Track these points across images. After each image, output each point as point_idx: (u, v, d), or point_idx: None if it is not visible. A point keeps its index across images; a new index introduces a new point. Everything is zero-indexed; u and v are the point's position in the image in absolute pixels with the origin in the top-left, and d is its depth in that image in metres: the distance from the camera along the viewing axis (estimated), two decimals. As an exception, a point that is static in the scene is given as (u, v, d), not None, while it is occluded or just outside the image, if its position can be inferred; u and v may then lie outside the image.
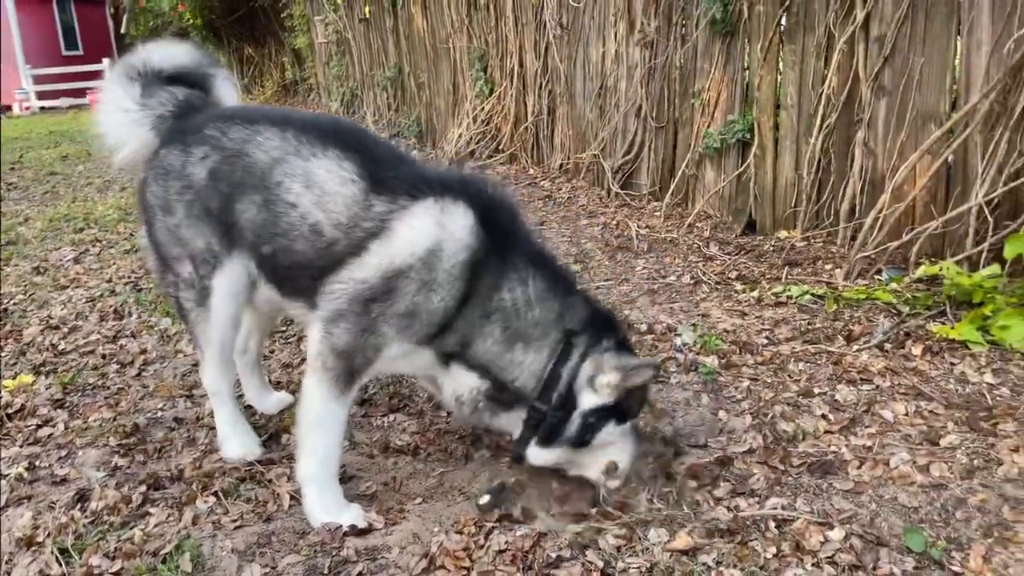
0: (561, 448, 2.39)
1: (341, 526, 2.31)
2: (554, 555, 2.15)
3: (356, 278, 2.30)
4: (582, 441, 2.37)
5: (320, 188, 2.35)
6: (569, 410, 2.35)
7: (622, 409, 2.37)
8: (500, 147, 8.20)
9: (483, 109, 8.33)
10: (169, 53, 2.75)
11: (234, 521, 2.39)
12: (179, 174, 2.51)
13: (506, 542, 2.22)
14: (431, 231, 2.27)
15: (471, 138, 8.41)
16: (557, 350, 2.36)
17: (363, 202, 2.33)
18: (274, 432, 2.92)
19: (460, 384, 2.42)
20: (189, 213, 2.51)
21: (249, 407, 3.10)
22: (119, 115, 2.65)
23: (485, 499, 2.40)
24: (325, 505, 2.36)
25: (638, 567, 2.09)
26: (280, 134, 2.44)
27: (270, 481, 2.59)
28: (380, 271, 2.28)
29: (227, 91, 2.86)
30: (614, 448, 2.41)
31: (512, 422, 2.45)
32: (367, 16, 10.81)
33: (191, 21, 18.73)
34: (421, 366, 2.46)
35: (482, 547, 2.23)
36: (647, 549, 2.16)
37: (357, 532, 2.32)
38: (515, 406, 2.41)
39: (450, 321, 2.32)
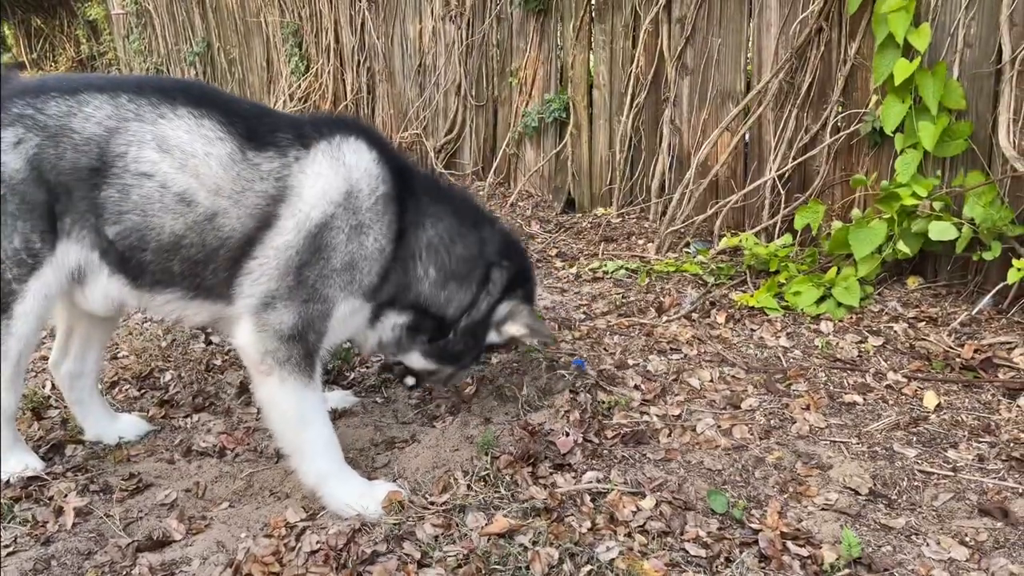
0: (443, 365, 2.57)
1: (132, 542, 2.11)
2: (369, 550, 2.06)
3: (277, 246, 2.13)
4: (467, 365, 2.63)
5: (181, 151, 2.10)
6: (475, 341, 2.52)
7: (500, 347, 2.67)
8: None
9: (299, 87, 7.98)
10: None
11: (6, 547, 2.12)
12: None
13: (318, 542, 2.10)
14: (342, 172, 2.18)
15: (288, 117, 8.04)
16: (480, 281, 2.46)
17: (243, 161, 2.13)
18: (56, 443, 2.63)
19: (385, 327, 2.44)
20: (3, 211, 2.12)
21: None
22: None
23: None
24: (352, 494, 2.21)
25: (455, 554, 2.05)
26: (112, 100, 2.13)
27: (51, 498, 2.32)
28: (300, 231, 2.14)
29: None
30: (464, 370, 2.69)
31: (419, 343, 2.53)
32: (169, -14, 10.05)
33: (-35, -13, 16.74)
34: (358, 326, 2.38)
35: (293, 549, 2.10)
36: (465, 535, 2.11)
37: (152, 546, 2.13)
38: (429, 331, 2.50)
39: (389, 265, 2.28)
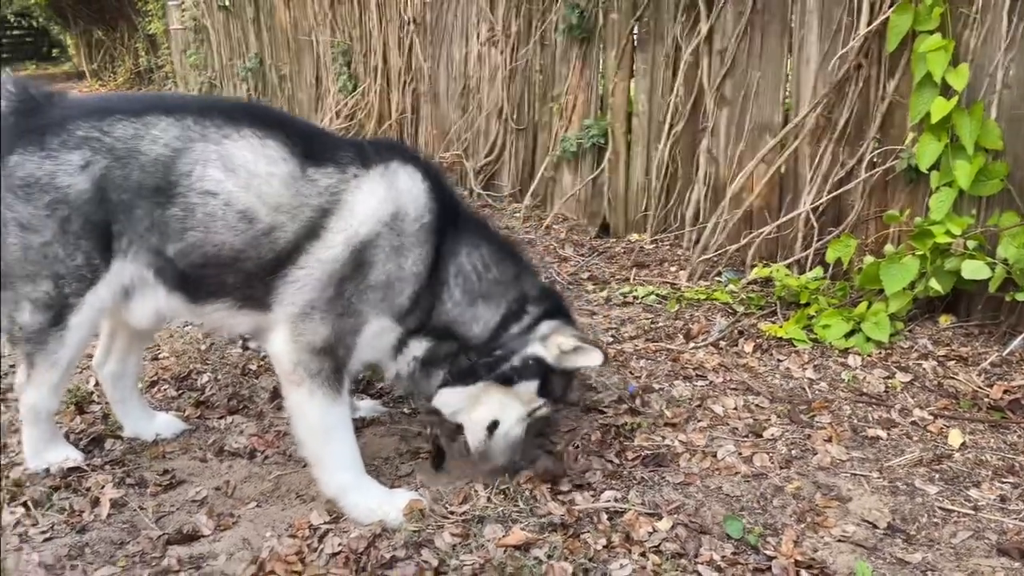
0: (479, 385, 2.41)
1: (163, 535, 2.20)
2: (388, 555, 2.13)
3: (323, 258, 2.22)
4: (509, 378, 2.41)
5: (246, 171, 2.21)
6: (510, 350, 2.41)
7: (547, 382, 2.44)
8: (364, 143, 8.07)
9: (346, 104, 8.17)
10: None
11: (44, 533, 2.23)
12: (47, 186, 2.19)
13: (340, 544, 2.18)
14: (392, 195, 2.27)
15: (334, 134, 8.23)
16: (510, 307, 2.43)
17: (303, 177, 2.23)
18: (97, 437, 2.74)
19: (407, 357, 2.44)
20: (65, 230, 2.21)
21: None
22: None
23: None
24: (373, 504, 2.28)
25: (472, 564, 2.10)
26: (178, 123, 2.24)
27: (88, 489, 2.43)
28: (348, 245, 2.22)
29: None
30: (510, 408, 2.44)
31: (437, 378, 2.47)
32: (227, 4, 10.38)
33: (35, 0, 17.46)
34: (384, 349, 2.41)
35: (315, 550, 2.17)
36: (482, 546, 2.16)
37: (182, 539, 2.22)
38: (445, 362, 2.45)
39: (421, 291, 2.32)
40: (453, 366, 2.45)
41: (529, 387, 2.43)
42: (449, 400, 2.46)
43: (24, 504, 2.33)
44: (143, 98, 2.44)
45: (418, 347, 2.44)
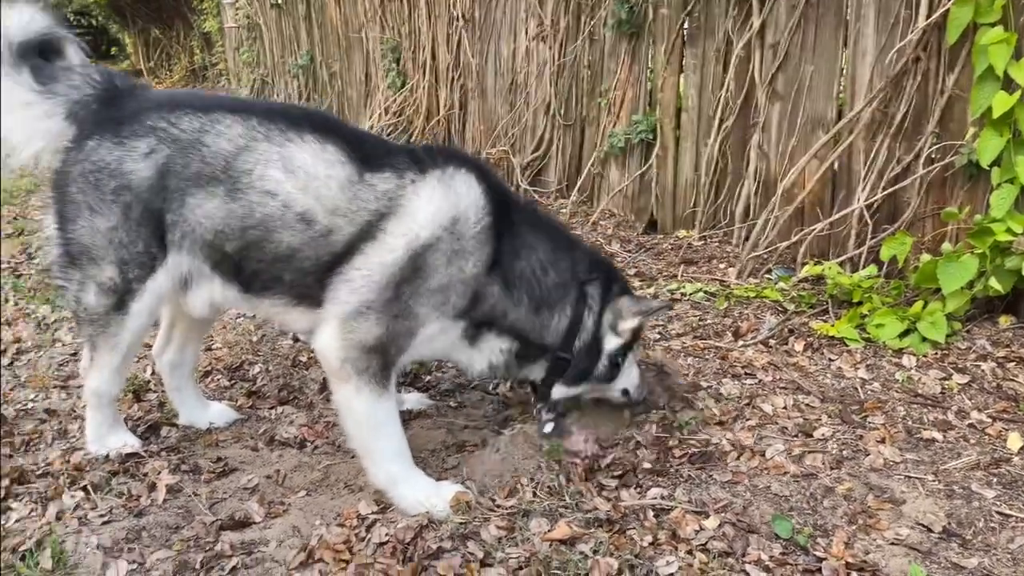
0: (589, 384, 2.66)
1: (216, 520, 2.25)
2: (435, 546, 2.15)
3: (383, 261, 2.25)
4: (611, 377, 2.66)
5: (306, 173, 2.25)
6: (596, 354, 2.58)
7: (632, 341, 2.65)
8: (412, 140, 8.13)
9: (395, 101, 8.23)
10: (25, 19, 2.34)
11: (102, 516, 2.30)
12: (115, 172, 2.28)
13: (387, 534, 2.21)
14: (452, 200, 2.29)
15: (383, 130, 8.31)
16: (576, 304, 2.53)
17: (360, 182, 2.27)
18: (153, 424, 2.82)
19: (494, 350, 2.50)
20: (127, 216, 2.29)
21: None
22: (19, 111, 2.31)
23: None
24: (420, 496, 2.32)
25: (517, 557, 2.11)
26: (243, 121, 2.30)
27: (145, 475, 2.50)
28: (408, 249, 2.25)
29: (78, 59, 2.52)
30: (625, 374, 2.69)
31: (536, 371, 2.62)
32: (279, 2, 10.55)
33: (95, -1, 17.95)
34: (448, 344, 2.44)
35: (363, 539, 2.21)
36: (527, 539, 2.17)
37: (234, 525, 2.27)
38: (539, 359, 2.58)
39: (482, 289, 2.36)
40: (554, 367, 2.59)
41: (628, 361, 2.68)
42: (570, 394, 2.68)
43: (84, 488, 2.41)
44: (212, 96, 2.51)
45: (502, 342, 2.50)
